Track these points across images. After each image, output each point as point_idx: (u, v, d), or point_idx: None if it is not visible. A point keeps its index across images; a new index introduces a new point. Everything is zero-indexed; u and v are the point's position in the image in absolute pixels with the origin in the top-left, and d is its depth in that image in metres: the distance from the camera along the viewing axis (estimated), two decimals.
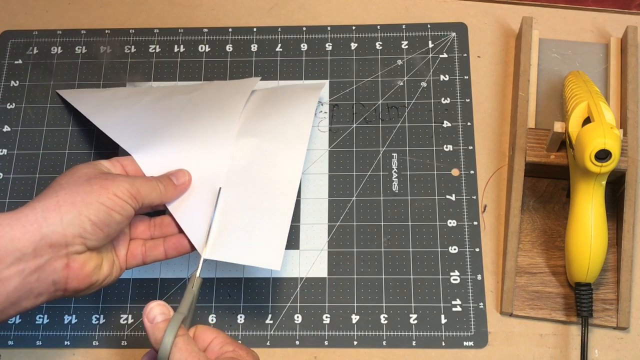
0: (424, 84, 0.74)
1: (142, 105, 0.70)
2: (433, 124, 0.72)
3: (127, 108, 0.70)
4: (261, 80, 0.75)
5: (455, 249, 0.68)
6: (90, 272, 0.55)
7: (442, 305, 0.66)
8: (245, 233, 0.61)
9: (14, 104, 0.76)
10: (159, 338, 0.52)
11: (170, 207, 0.62)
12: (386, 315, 0.66)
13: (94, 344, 0.66)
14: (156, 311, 0.53)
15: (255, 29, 0.78)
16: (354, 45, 0.76)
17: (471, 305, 0.66)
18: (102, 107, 0.71)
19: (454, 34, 0.76)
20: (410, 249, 0.68)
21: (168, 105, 0.69)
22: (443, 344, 0.65)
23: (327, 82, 0.73)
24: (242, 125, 0.67)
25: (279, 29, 0.78)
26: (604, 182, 0.61)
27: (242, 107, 0.68)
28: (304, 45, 0.77)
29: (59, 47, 0.78)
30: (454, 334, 0.65)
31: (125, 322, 0.67)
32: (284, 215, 0.62)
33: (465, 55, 0.75)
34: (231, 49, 0.77)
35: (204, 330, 0.56)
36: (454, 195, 0.70)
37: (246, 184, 0.64)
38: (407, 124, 0.73)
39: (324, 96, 0.74)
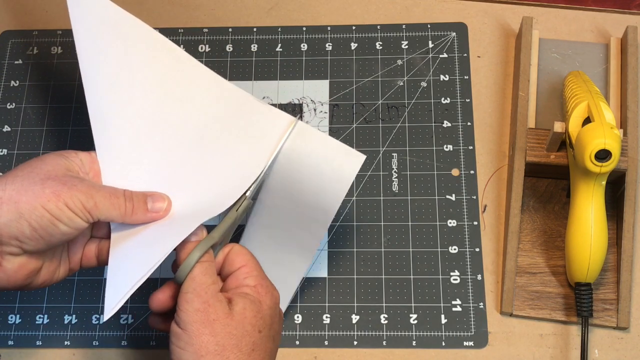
0: (424, 84, 0.74)
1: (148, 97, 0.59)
2: (433, 124, 0.72)
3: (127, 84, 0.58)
4: (261, 80, 0.75)
5: (455, 249, 0.68)
6: (24, 277, 0.51)
7: (442, 305, 0.66)
8: None
9: (14, 104, 0.76)
10: (182, 259, 0.50)
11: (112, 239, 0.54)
12: (386, 315, 0.66)
13: (94, 344, 0.66)
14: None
15: (255, 29, 0.78)
16: (354, 45, 0.76)
17: (471, 305, 0.66)
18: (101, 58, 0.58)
19: (454, 34, 0.76)
20: (410, 249, 0.68)
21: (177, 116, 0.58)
22: (443, 344, 0.65)
23: (364, 157, 0.57)
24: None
25: (279, 29, 0.78)
26: (604, 182, 0.61)
27: (261, 170, 0.57)
28: (304, 45, 0.77)
29: (59, 47, 0.78)
30: (454, 334, 0.65)
31: (125, 322, 0.67)
32: None
33: (465, 55, 0.75)
34: (231, 49, 0.77)
35: (237, 254, 0.53)
36: (454, 195, 0.70)
37: None
38: (407, 124, 0.73)
39: (324, 96, 0.74)
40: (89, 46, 0.58)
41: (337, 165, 0.57)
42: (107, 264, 0.54)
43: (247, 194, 0.55)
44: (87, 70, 0.57)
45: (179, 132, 0.58)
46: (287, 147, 0.58)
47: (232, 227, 0.54)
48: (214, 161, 0.58)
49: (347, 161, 0.57)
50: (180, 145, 0.58)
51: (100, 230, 0.57)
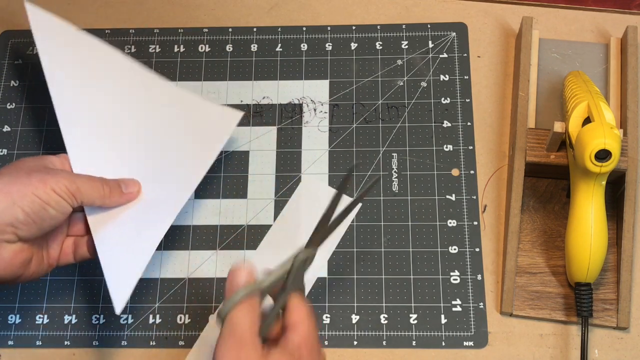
0: (424, 84, 0.74)
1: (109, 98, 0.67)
2: (433, 124, 0.72)
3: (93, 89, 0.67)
4: (261, 80, 0.75)
5: (455, 249, 0.68)
6: (18, 264, 0.56)
7: (442, 305, 0.66)
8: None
9: (14, 104, 0.76)
10: (226, 297, 0.50)
11: (93, 230, 0.61)
12: (386, 315, 0.66)
13: (94, 344, 0.66)
14: (242, 273, 0.51)
15: (255, 29, 0.78)
16: (354, 45, 0.76)
17: (471, 305, 0.66)
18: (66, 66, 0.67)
19: (454, 34, 0.76)
20: (410, 249, 0.68)
21: (134, 117, 0.67)
22: (443, 344, 0.65)
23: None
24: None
25: (279, 29, 0.78)
26: (604, 182, 0.61)
27: (214, 157, 0.66)
28: (304, 45, 0.77)
29: None
30: (454, 334, 0.65)
31: (125, 322, 0.67)
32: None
33: (465, 55, 0.75)
34: (231, 49, 0.77)
35: (294, 309, 0.51)
36: (454, 195, 0.70)
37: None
38: (407, 124, 0.73)
39: (324, 96, 0.74)
40: (53, 63, 0.66)
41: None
42: (83, 259, 0.62)
43: (304, 245, 0.55)
44: (54, 84, 0.65)
45: (139, 133, 0.67)
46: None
47: (290, 278, 0.53)
48: (171, 156, 0.66)
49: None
50: (141, 143, 0.66)
51: (75, 227, 0.62)
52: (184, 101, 0.69)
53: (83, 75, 0.67)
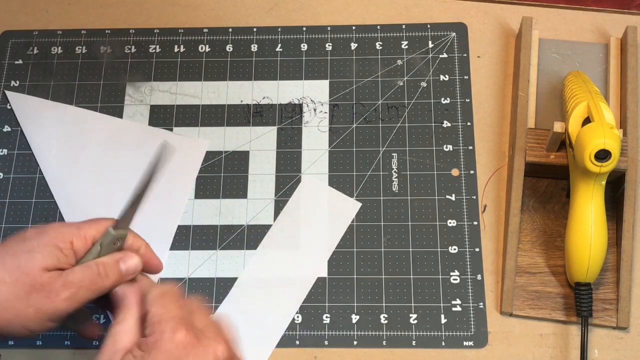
0: (424, 84, 0.74)
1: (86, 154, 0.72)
2: (433, 124, 0.72)
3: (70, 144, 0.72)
4: (261, 80, 0.75)
5: (455, 249, 0.68)
6: None
7: (442, 305, 0.66)
8: None
9: None
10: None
11: None
12: (386, 315, 0.66)
13: (94, 343, 0.66)
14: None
15: (255, 29, 0.78)
16: (354, 45, 0.76)
17: (471, 305, 0.66)
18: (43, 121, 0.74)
19: (454, 34, 0.76)
20: (410, 249, 0.68)
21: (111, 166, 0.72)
22: (443, 343, 0.65)
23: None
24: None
25: (279, 29, 0.78)
26: (603, 182, 0.61)
27: (191, 186, 0.71)
28: (304, 45, 0.77)
29: (59, 47, 0.78)
30: (454, 333, 0.65)
31: None
32: None
33: (465, 55, 0.75)
34: (231, 49, 0.77)
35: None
36: (454, 195, 0.70)
37: None
38: (407, 124, 0.73)
39: (324, 96, 0.74)
40: (33, 129, 0.73)
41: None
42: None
43: (111, 227, 0.55)
44: (39, 149, 0.72)
45: (119, 173, 0.71)
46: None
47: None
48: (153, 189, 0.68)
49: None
50: (122, 182, 0.70)
51: None
52: (154, 137, 0.73)
53: (61, 135, 0.73)
